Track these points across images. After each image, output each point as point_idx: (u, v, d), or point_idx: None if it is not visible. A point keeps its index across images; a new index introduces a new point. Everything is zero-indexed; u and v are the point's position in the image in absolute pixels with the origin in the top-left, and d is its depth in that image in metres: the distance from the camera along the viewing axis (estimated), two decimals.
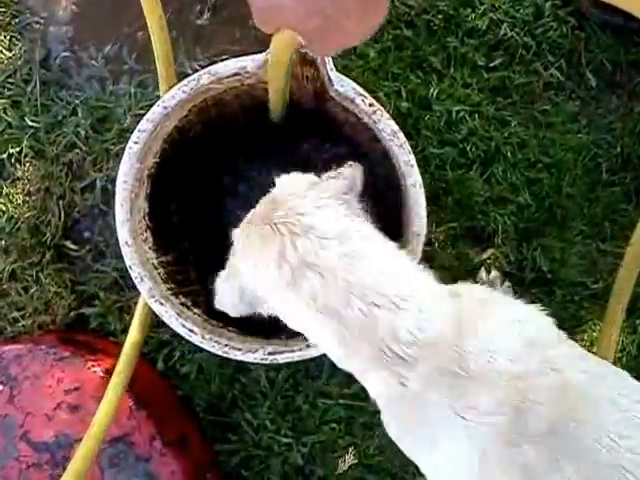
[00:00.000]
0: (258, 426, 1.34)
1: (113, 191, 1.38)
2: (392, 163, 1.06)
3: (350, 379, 1.30)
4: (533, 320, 0.82)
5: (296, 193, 0.81)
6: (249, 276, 0.80)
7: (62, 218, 1.41)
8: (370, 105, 1.01)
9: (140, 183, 1.08)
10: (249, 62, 1.02)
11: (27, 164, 1.44)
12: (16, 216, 1.42)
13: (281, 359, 0.98)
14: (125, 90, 1.45)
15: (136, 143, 1.06)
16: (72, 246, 1.42)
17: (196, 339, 1.01)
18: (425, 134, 1.42)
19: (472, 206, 1.40)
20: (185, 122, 1.11)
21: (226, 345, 1.00)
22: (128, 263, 1.05)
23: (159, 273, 1.08)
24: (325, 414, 1.35)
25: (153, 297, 1.04)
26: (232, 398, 1.35)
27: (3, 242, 1.40)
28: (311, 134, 1.30)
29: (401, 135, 1.02)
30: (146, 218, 1.09)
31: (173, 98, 1.05)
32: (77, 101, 1.45)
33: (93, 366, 1.25)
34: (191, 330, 1.02)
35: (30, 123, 1.44)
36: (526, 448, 0.73)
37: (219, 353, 1.00)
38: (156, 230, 1.11)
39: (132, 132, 1.41)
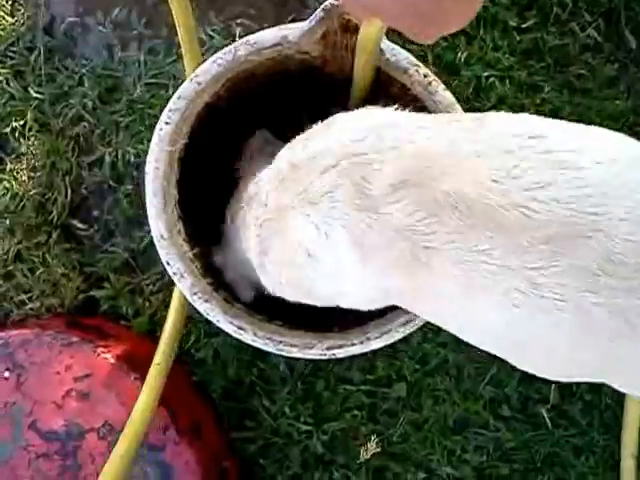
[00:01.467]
0: (277, 413, 1.29)
1: (123, 167, 1.34)
2: None
3: (373, 365, 1.27)
4: None
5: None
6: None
7: (69, 195, 1.34)
8: (425, 76, 0.95)
9: (171, 168, 1.00)
10: (291, 31, 0.94)
11: (32, 138, 1.37)
12: (20, 193, 1.35)
13: (340, 354, 0.90)
14: (134, 58, 1.37)
15: (167, 124, 0.98)
16: (80, 225, 1.35)
17: (247, 337, 0.93)
18: None
19: None
20: (215, 98, 1.03)
21: (280, 342, 0.91)
22: (165, 259, 0.96)
23: (196, 267, 0.99)
24: (346, 400, 1.28)
25: (196, 294, 0.95)
26: (250, 384, 1.30)
27: (7, 221, 1.34)
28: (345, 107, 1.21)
29: (458, 107, 0.96)
30: (177, 207, 1.01)
31: (207, 72, 0.96)
32: (83, 70, 1.37)
33: (103, 352, 1.20)
34: (240, 327, 0.93)
35: (34, 94, 1.36)
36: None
37: (272, 350, 0.91)
38: (187, 219, 1.02)
39: (143, 103, 1.36)
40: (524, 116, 0.73)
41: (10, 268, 1.33)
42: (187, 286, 0.95)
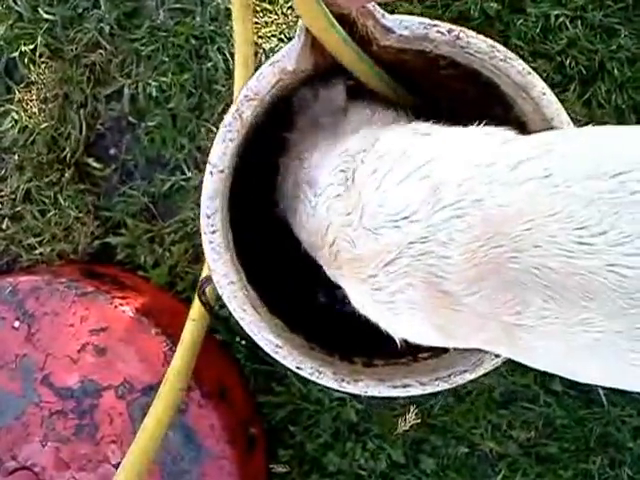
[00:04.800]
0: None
1: (144, 101, 1.20)
2: (491, 83, 0.88)
3: None
4: None
5: None
6: None
7: (84, 131, 1.21)
8: (449, 31, 0.83)
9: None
10: (284, 59, 0.82)
11: (42, 65, 1.23)
12: (30, 127, 1.21)
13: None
14: None
15: (209, 218, 0.81)
16: (95, 164, 1.22)
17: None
18: (515, 43, 1.19)
19: None
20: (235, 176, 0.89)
21: (450, 375, 0.83)
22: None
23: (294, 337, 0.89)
24: None
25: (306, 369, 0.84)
26: None
27: (16, 156, 1.21)
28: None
29: (501, 47, 0.84)
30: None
31: (224, 155, 0.82)
32: None
33: (121, 305, 1.09)
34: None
35: (45, 15, 1.22)
36: None
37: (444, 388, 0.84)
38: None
39: (166, 31, 1.22)
40: (597, 146, 0.64)
41: (19, 209, 1.21)
42: (330, 378, 0.84)
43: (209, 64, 1.20)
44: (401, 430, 1.17)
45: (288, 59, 0.81)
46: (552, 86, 1.17)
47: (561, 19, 1.19)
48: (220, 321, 1.18)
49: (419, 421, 1.17)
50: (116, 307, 1.09)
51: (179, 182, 1.19)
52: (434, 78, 0.94)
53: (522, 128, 0.85)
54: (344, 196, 0.75)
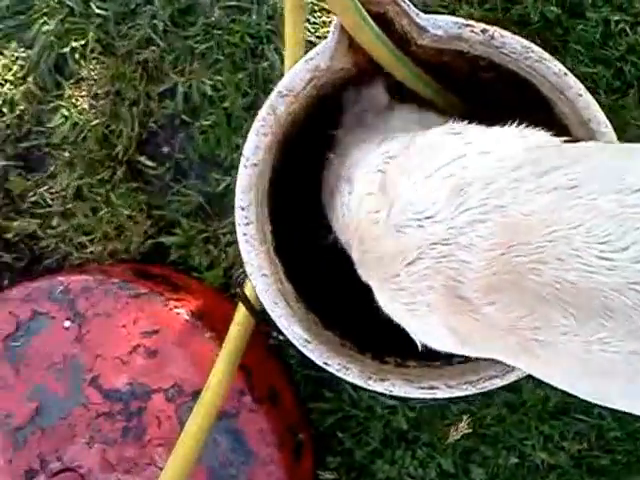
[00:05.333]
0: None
1: (198, 99, 1.18)
2: (530, 84, 0.87)
3: None
4: None
5: None
6: None
7: (136, 128, 1.19)
8: (483, 31, 0.83)
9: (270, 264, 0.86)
10: (318, 56, 0.82)
11: (94, 61, 1.21)
12: (81, 123, 1.20)
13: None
14: None
15: (246, 224, 0.84)
16: (148, 162, 1.20)
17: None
18: (575, 48, 1.17)
19: (627, 138, 1.17)
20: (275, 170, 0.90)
21: (479, 379, 0.82)
22: (320, 361, 0.85)
23: (351, 348, 0.90)
24: None
25: (370, 379, 0.85)
26: None
27: (67, 153, 1.19)
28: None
29: (536, 48, 0.84)
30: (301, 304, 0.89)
31: (258, 149, 0.84)
32: None
33: (176, 307, 1.07)
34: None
35: (97, 10, 1.20)
36: None
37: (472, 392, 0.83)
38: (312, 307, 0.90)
39: (221, 28, 1.20)
40: (624, 160, 0.63)
41: (69, 206, 1.19)
42: (357, 375, 0.85)
43: (265, 63, 1.18)
44: (452, 439, 1.16)
45: (322, 57, 0.82)
46: (611, 92, 1.18)
47: (621, 25, 1.17)
48: (273, 324, 1.17)
49: (470, 430, 1.16)
50: (170, 309, 1.07)
51: (235, 182, 1.17)
52: (476, 82, 0.94)
53: (564, 132, 0.84)
54: (377, 195, 0.73)
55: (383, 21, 0.81)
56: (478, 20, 1.14)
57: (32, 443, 1.07)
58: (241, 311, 0.97)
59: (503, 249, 0.61)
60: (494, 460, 1.17)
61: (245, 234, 0.82)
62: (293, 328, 0.83)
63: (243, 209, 0.82)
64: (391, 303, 0.72)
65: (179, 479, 0.87)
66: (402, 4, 0.79)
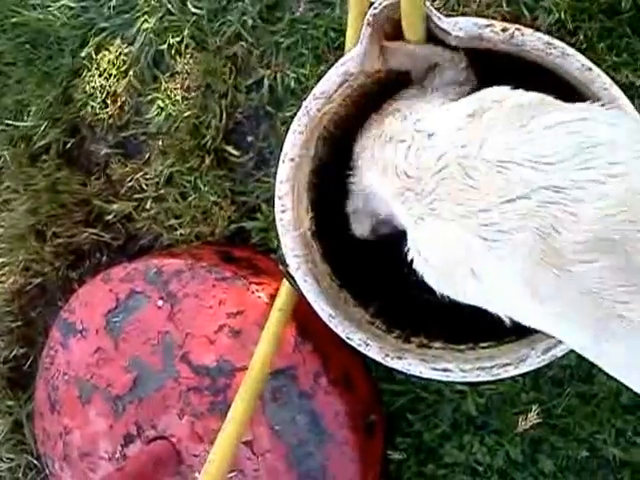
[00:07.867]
0: None
1: (282, 91, 1.24)
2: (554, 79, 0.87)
3: None
4: None
5: None
6: None
7: (224, 119, 1.26)
8: (504, 30, 0.83)
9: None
10: (349, 62, 0.87)
11: (187, 56, 1.29)
12: (174, 114, 1.28)
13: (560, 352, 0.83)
14: None
15: (283, 212, 0.91)
16: (233, 151, 1.27)
17: (457, 376, 0.87)
18: None
19: None
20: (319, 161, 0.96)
21: (488, 367, 0.85)
22: (344, 335, 0.91)
23: (377, 325, 0.95)
24: None
25: (388, 356, 0.90)
26: None
27: (161, 142, 1.28)
28: None
29: (558, 43, 0.84)
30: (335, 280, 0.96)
31: (295, 145, 0.91)
32: None
33: (257, 290, 1.14)
34: (446, 369, 0.87)
35: (192, 9, 1.27)
36: None
37: (490, 378, 0.86)
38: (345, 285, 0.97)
39: (306, 23, 1.24)
40: None
41: (162, 191, 1.28)
42: (376, 352, 0.90)
43: None
44: (521, 428, 1.17)
45: (352, 62, 0.88)
46: None
47: None
48: None
49: (540, 420, 1.16)
50: (252, 292, 1.14)
51: None
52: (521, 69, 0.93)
53: None
54: (467, 129, 0.73)
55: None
56: (564, 10, 1.14)
57: (130, 410, 1.17)
58: (282, 297, 1.02)
59: (618, 210, 0.60)
60: (564, 452, 1.18)
61: (281, 219, 0.90)
62: (319, 302, 0.91)
63: (280, 198, 0.90)
64: (467, 241, 0.69)
65: (226, 458, 0.91)
66: (425, 9, 0.82)
